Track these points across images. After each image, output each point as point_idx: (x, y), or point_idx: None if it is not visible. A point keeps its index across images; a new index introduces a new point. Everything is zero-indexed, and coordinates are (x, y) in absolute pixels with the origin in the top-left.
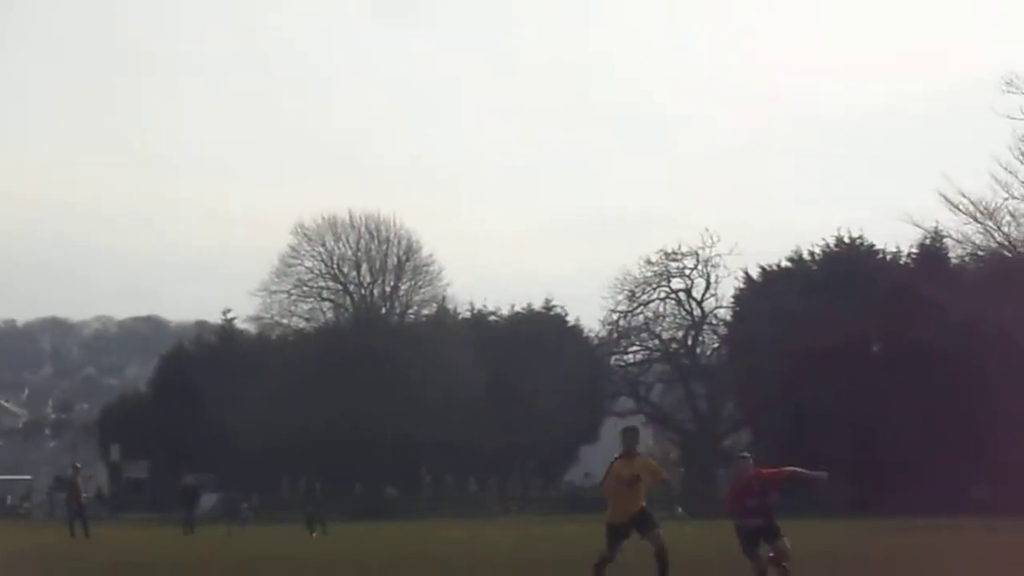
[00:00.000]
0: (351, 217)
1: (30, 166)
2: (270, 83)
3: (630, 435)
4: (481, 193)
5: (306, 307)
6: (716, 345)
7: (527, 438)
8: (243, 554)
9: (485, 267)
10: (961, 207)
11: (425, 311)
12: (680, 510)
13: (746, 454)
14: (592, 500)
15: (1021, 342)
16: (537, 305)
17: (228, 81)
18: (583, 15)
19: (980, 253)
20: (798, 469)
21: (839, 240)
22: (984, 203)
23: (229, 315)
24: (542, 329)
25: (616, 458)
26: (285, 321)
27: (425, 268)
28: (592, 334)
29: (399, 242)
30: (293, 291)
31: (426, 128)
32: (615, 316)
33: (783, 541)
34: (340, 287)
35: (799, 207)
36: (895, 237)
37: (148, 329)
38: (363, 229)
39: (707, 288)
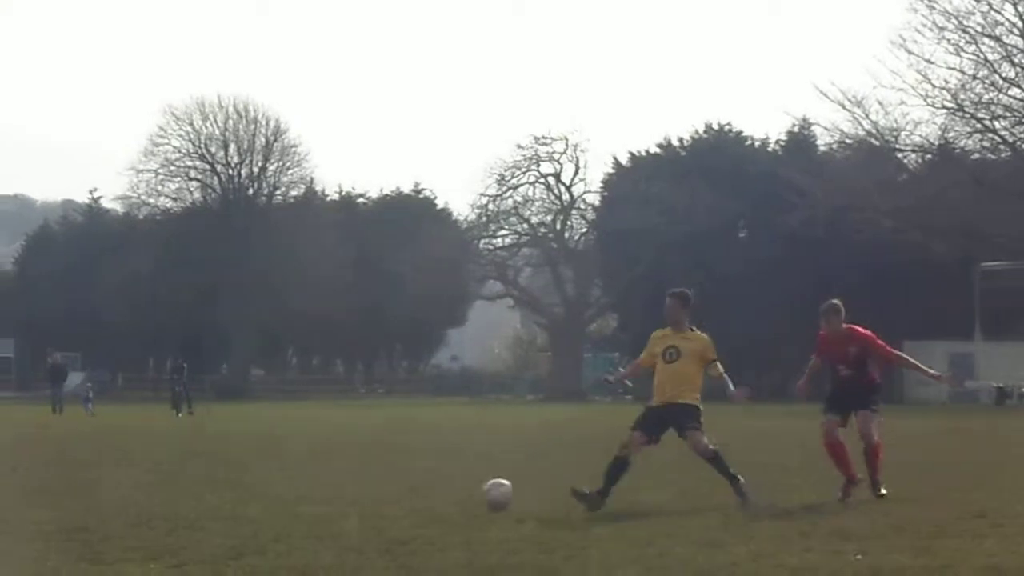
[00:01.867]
0: (219, 97)
1: None
2: None
3: (674, 301)
4: (356, 76)
5: (173, 187)
6: (584, 230)
7: (394, 321)
8: (110, 428)
9: (355, 150)
10: (830, 95)
11: (293, 192)
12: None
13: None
14: (457, 383)
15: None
16: (406, 188)
17: None
18: None
19: (848, 141)
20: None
21: (708, 127)
22: (853, 92)
23: (96, 194)
24: (411, 212)
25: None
26: (152, 201)
27: (293, 149)
28: (462, 218)
29: (267, 123)
30: (160, 170)
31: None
32: (484, 200)
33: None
34: (208, 167)
35: (670, 95)
36: (764, 125)
37: (14, 207)
38: (231, 109)
39: (576, 173)
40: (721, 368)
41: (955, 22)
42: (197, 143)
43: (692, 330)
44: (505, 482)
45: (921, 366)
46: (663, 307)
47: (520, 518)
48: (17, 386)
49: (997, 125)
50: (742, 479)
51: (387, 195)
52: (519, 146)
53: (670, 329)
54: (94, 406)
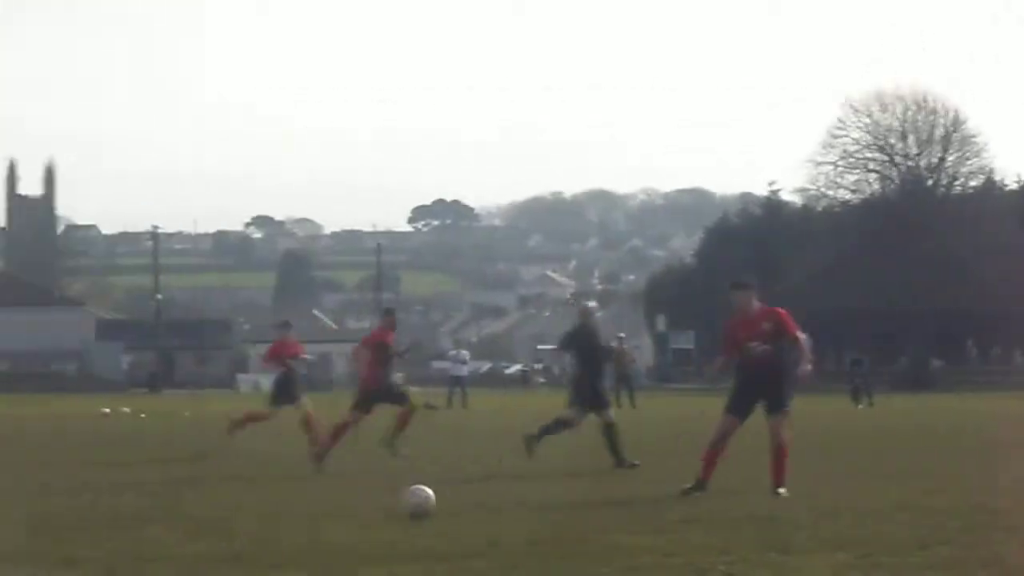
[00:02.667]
0: (898, 88)
1: None
2: None
3: None
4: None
5: (852, 179)
6: None
7: None
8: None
9: None
10: None
11: (972, 183)
12: None
13: None
14: None
15: None
16: None
17: None
18: None
19: None
20: None
21: None
22: None
23: (774, 187)
24: None
25: None
26: (831, 193)
27: (972, 139)
28: None
29: (946, 112)
30: (839, 163)
31: None
32: None
33: None
34: (886, 159)
35: None
36: None
37: (693, 201)
38: (910, 100)
39: None
40: None
41: None
42: (876, 135)
43: None
44: (424, 489)
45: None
46: None
47: None
48: (698, 378)
49: None
50: None
51: None
52: None
53: None
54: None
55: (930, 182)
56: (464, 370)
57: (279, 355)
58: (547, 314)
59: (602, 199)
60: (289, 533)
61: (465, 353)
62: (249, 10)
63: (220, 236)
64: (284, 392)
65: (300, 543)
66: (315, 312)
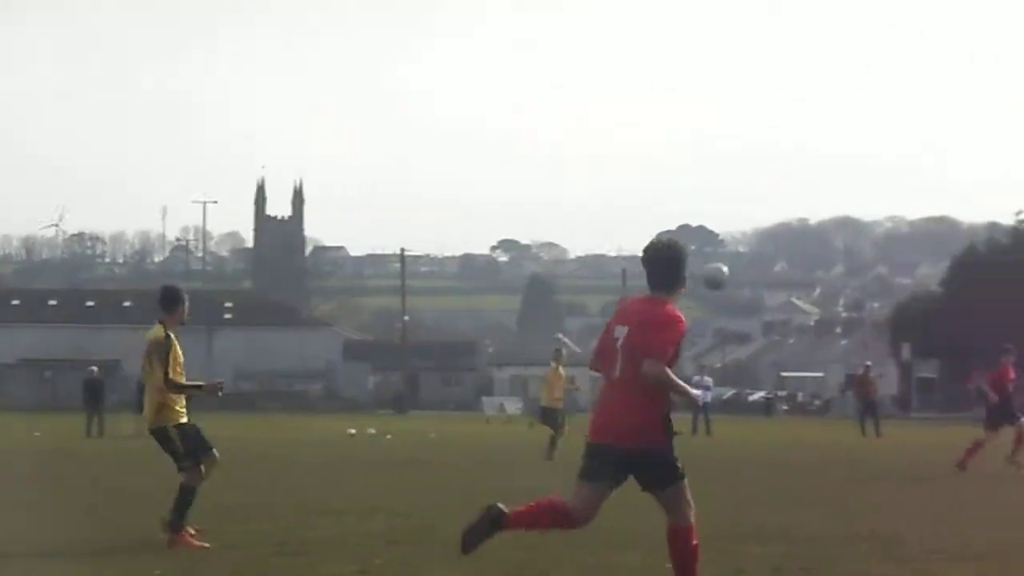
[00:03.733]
0: None
1: None
2: None
3: None
4: None
5: None
6: None
7: None
8: None
9: None
10: None
11: None
12: None
13: None
14: None
15: None
16: None
17: None
18: None
19: None
20: None
21: None
22: None
23: (1021, 216)
24: None
25: None
26: None
27: None
28: None
29: None
30: None
31: None
32: None
33: None
34: None
35: None
36: None
37: (940, 229)
38: None
39: None
40: None
41: None
42: None
43: None
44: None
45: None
46: None
47: None
48: (940, 406)
49: None
50: None
51: None
52: None
53: None
54: None
55: None
56: (708, 396)
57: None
58: (791, 341)
59: (848, 226)
60: None
61: (709, 379)
62: (483, 31)
63: (467, 259)
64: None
65: None
66: (559, 335)
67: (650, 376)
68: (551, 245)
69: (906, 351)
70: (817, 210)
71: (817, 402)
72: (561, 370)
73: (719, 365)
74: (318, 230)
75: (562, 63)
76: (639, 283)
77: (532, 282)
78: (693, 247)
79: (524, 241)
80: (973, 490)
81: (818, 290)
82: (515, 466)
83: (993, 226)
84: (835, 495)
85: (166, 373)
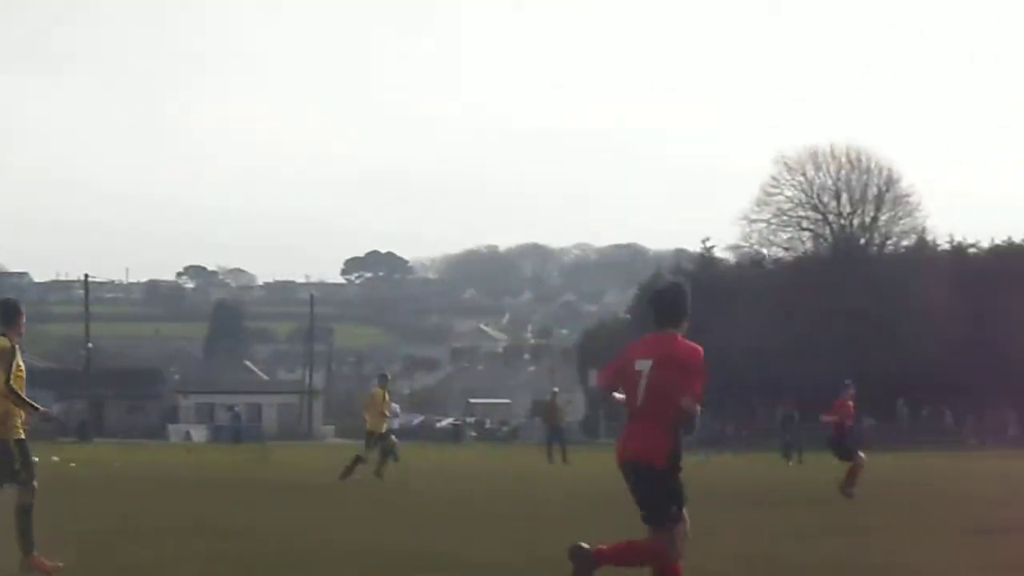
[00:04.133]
0: (832, 147)
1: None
2: None
3: None
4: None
5: (785, 236)
6: None
7: (1009, 371)
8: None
9: (967, 199)
10: None
11: (904, 242)
12: None
13: None
14: None
15: None
16: (1018, 238)
17: None
18: None
19: None
20: None
21: None
22: None
23: (708, 243)
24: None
25: None
26: (764, 250)
27: (905, 199)
28: None
29: (879, 172)
30: (773, 220)
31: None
32: None
33: None
34: (819, 217)
35: None
36: None
37: (627, 256)
38: (844, 159)
39: None
40: None
41: None
42: (809, 193)
43: None
44: None
45: None
46: None
47: None
48: None
49: None
50: None
51: (999, 245)
52: None
53: None
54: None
55: (863, 241)
56: (395, 423)
57: None
58: (480, 367)
59: (536, 253)
60: None
61: (396, 406)
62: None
63: (152, 285)
64: None
65: None
66: (246, 363)
67: (688, 412)
68: (238, 271)
69: (593, 378)
70: (506, 237)
71: (505, 428)
72: (386, 395)
73: (407, 392)
74: (3, 256)
75: (258, 94)
76: (328, 310)
77: (218, 308)
78: (381, 273)
79: (211, 267)
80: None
81: (507, 317)
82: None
83: (680, 253)
84: (516, 521)
85: (7, 380)
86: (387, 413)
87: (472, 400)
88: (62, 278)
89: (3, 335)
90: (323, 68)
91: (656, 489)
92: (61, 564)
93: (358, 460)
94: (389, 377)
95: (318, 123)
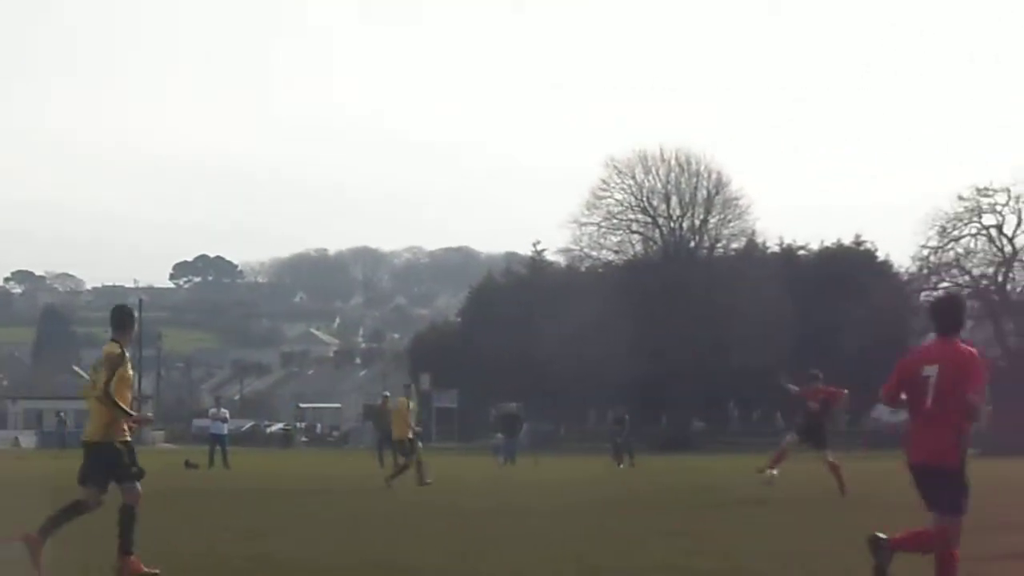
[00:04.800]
0: (661, 150)
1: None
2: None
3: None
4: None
5: (615, 239)
6: None
7: (835, 374)
8: (551, 480)
9: (796, 202)
10: None
11: (734, 245)
12: None
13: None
14: (894, 438)
15: None
16: (847, 240)
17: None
18: None
19: None
20: None
21: None
22: None
23: (539, 247)
24: (851, 265)
25: None
26: (594, 253)
27: (734, 202)
28: (902, 270)
29: (709, 175)
30: (603, 223)
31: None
32: (925, 251)
33: None
34: (649, 220)
35: None
36: None
37: (458, 260)
38: (673, 162)
39: (1019, 225)
40: None
41: None
42: (639, 196)
43: None
44: None
45: None
46: None
47: None
48: (460, 436)
49: None
50: None
51: (828, 247)
52: (960, 197)
53: None
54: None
55: (692, 244)
56: (225, 428)
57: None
58: (310, 372)
59: (367, 256)
60: None
61: (225, 411)
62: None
63: None
64: None
65: None
66: (75, 368)
67: (973, 406)
68: (66, 276)
69: (425, 381)
70: (336, 240)
71: (336, 433)
72: (412, 404)
73: (237, 397)
74: None
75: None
76: (157, 315)
77: (47, 313)
78: (211, 277)
79: (39, 272)
80: (507, 518)
81: (337, 321)
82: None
83: (511, 256)
84: (352, 525)
85: (108, 383)
86: (411, 423)
87: (302, 405)
88: None
89: (115, 341)
90: (151, 66)
91: (951, 487)
92: (157, 570)
93: (404, 468)
94: (412, 388)
95: (146, 124)
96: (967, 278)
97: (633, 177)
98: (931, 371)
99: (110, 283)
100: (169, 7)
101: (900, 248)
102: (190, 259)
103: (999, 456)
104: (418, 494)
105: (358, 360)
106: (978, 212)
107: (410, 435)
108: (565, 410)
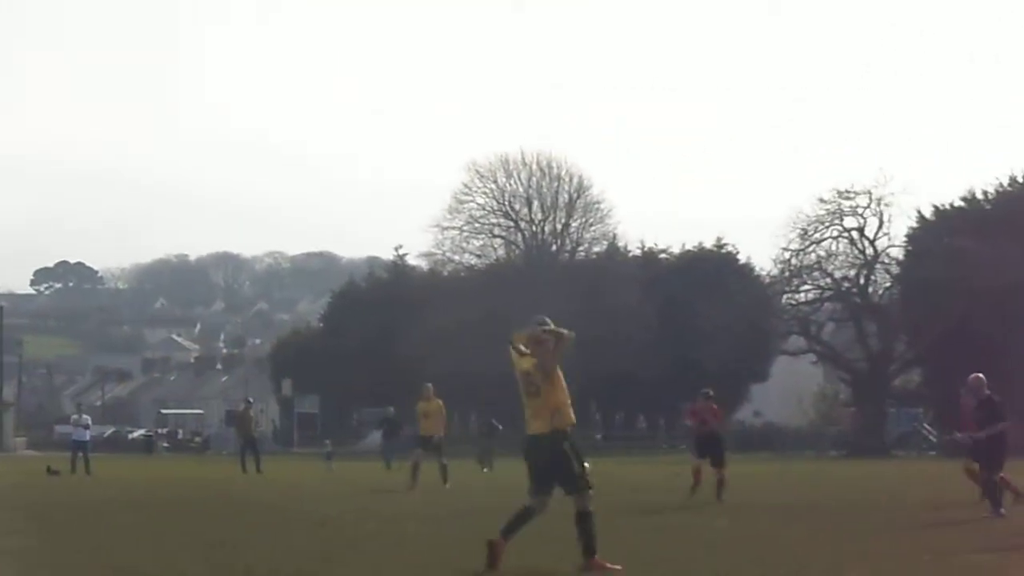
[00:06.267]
0: (523, 154)
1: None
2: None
3: None
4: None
5: (478, 243)
6: (888, 284)
7: (697, 376)
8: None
9: (657, 205)
10: None
11: (596, 249)
12: None
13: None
14: (760, 439)
15: None
16: (709, 243)
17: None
18: None
19: None
20: None
21: (1013, 180)
22: None
23: (401, 251)
24: (713, 267)
25: None
26: (456, 258)
27: (596, 206)
28: (764, 272)
29: (570, 179)
30: (465, 227)
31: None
32: (787, 254)
33: None
34: (511, 224)
35: (972, 148)
36: None
37: (320, 265)
38: (535, 166)
39: (880, 227)
40: None
41: None
42: (501, 200)
43: None
44: None
45: None
46: (969, 359)
47: None
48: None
49: None
50: None
51: (689, 250)
52: (822, 200)
53: None
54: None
55: (554, 247)
56: (87, 435)
57: None
58: (172, 378)
59: (228, 262)
60: None
61: (87, 418)
62: None
63: None
64: None
65: None
66: None
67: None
68: None
69: (287, 387)
70: (196, 246)
71: (198, 439)
72: (438, 403)
73: (98, 403)
74: None
75: None
76: (17, 321)
77: None
78: (71, 284)
79: None
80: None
81: (198, 326)
82: None
83: (373, 260)
84: (212, 532)
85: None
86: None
87: (164, 411)
88: None
89: None
90: (6, 65)
91: None
92: (619, 567)
93: (445, 468)
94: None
95: (2, 125)
96: (828, 280)
97: (495, 181)
98: None
99: None
100: (27, 4)
101: (763, 251)
102: (51, 265)
103: (862, 457)
104: (284, 500)
105: (219, 366)
106: (839, 215)
107: (441, 434)
108: None
